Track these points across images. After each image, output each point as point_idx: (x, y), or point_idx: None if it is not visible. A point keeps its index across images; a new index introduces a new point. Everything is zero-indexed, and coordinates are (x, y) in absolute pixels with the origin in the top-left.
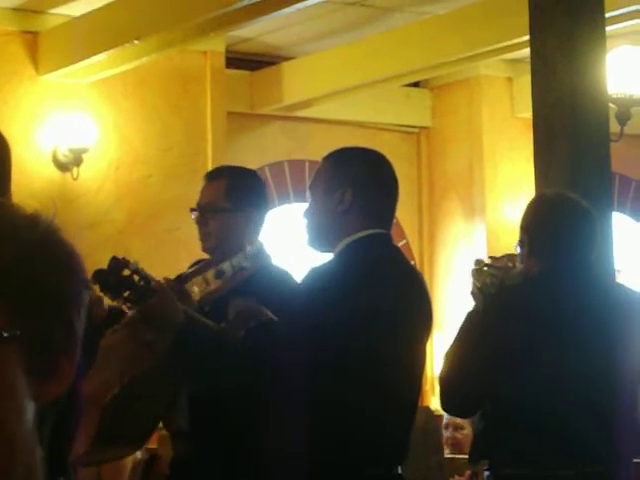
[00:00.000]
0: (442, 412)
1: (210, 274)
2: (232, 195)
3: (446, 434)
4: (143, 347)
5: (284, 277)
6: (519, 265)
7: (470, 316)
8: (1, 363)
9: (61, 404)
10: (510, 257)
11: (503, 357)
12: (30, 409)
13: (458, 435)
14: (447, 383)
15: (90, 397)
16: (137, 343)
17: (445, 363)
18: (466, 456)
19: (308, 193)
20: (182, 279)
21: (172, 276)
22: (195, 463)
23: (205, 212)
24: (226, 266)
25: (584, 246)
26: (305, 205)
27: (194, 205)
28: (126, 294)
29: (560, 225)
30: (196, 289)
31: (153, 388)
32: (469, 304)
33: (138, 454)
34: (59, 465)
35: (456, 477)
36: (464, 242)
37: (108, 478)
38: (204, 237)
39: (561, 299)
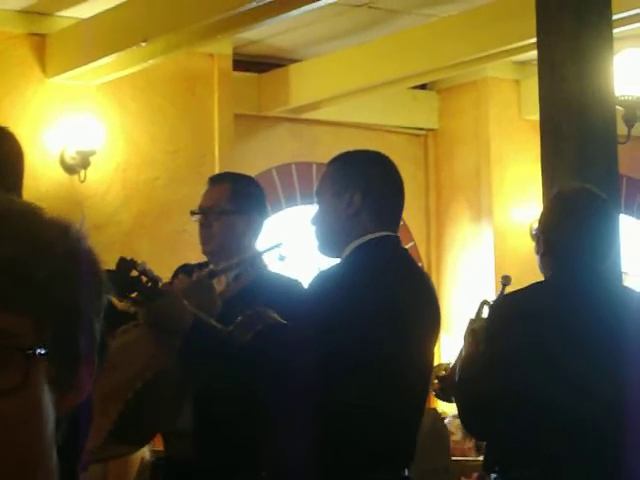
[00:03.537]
0: (447, 415)
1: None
2: (236, 198)
3: None
4: (162, 344)
5: (287, 282)
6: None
7: (461, 357)
8: (32, 379)
9: (74, 410)
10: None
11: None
12: (52, 420)
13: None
14: (466, 419)
15: (108, 395)
16: (156, 340)
17: (457, 405)
18: (473, 458)
19: (315, 199)
20: (212, 274)
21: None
22: (197, 463)
23: (209, 214)
24: (227, 270)
25: (598, 245)
26: (312, 209)
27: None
28: (133, 295)
29: (572, 224)
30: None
31: (167, 389)
32: (475, 308)
33: (147, 455)
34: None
35: (463, 479)
36: (471, 244)
37: (114, 477)
38: (206, 240)
39: (572, 299)
